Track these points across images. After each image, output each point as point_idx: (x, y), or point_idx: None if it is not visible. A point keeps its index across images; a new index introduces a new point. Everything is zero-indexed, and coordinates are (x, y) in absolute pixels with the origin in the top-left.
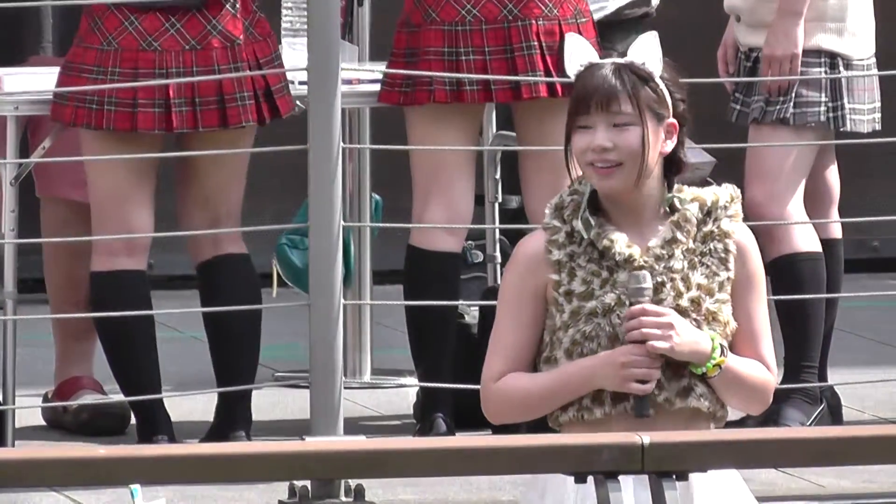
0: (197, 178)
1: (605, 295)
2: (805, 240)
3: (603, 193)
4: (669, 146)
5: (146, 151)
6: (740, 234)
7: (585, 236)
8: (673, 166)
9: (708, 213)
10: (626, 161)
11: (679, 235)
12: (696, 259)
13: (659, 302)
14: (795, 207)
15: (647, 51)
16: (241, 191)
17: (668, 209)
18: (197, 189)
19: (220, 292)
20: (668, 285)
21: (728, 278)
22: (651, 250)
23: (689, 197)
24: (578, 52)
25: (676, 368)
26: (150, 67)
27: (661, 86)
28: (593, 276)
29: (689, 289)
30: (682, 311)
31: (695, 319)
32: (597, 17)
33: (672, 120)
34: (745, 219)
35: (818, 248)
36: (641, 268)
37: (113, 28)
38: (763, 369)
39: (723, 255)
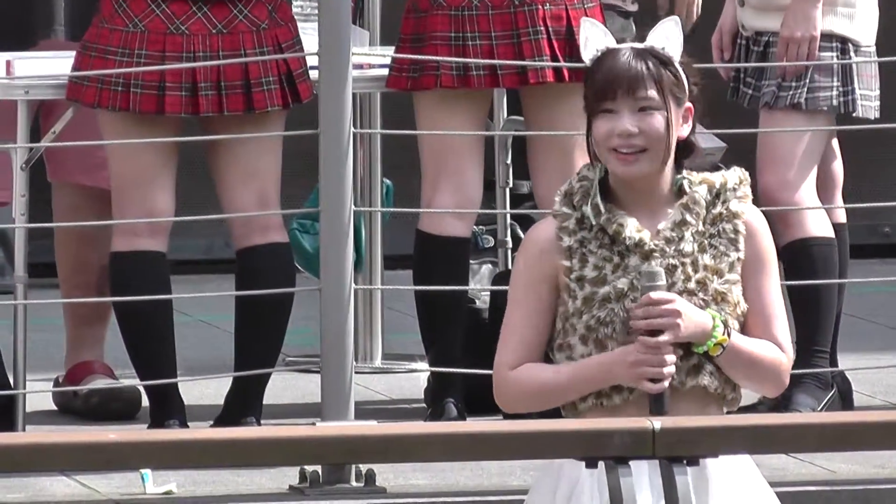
0: (234, 159)
1: (618, 280)
2: (818, 225)
3: (623, 179)
4: (686, 130)
5: (168, 134)
6: (750, 215)
7: (594, 222)
8: (685, 150)
9: (717, 195)
10: (650, 146)
11: (689, 218)
12: (705, 241)
13: (671, 286)
14: (808, 193)
15: (667, 35)
16: (278, 171)
17: (677, 192)
18: (237, 168)
19: (263, 279)
20: (679, 269)
21: (738, 259)
22: (661, 233)
23: (698, 179)
24: (595, 38)
25: (686, 347)
26: (178, 51)
27: (680, 70)
28: (605, 261)
29: (696, 271)
30: (690, 293)
31: (702, 300)
32: None
33: (689, 104)
34: (758, 204)
35: (831, 233)
36: (652, 251)
37: (140, 11)
38: (774, 349)
39: (732, 235)
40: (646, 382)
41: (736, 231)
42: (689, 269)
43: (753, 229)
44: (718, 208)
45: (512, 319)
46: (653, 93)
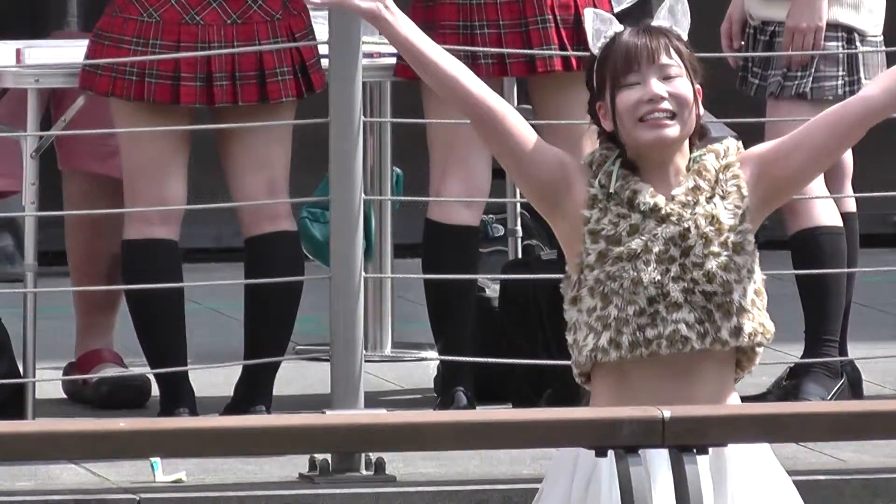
0: (244, 147)
1: (633, 241)
2: (826, 214)
3: (650, 148)
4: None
5: (180, 124)
6: (741, 157)
7: (611, 189)
8: (696, 133)
9: (726, 165)
10: (678, 111)
11: (701, 183)
12: (716, 201)
13: (688, 249)
14: (816, 182)
15: (675, 15)
16: (288, 160)
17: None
18: (247, 157)
19: (272, 267)
20: (694, 231)
21: (747, 207)
22: (676, 198)
23: (705, 150)
24: (602, 26)
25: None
26: (193, 41)
27: (687, 46)
28: (621, 218)
29: (712, 226)
30: (708, 253)
31: (727, 256)
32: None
33: (698, 86)
34: None
35: (839, 222)
36: (669, 215)
37: (155, 0)
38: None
39: (736, 187)
40: None
41: (738, 185)
42: (705, 227)
43: (744, 157)
44: (725, 174)
45: None
46: (674, 60)
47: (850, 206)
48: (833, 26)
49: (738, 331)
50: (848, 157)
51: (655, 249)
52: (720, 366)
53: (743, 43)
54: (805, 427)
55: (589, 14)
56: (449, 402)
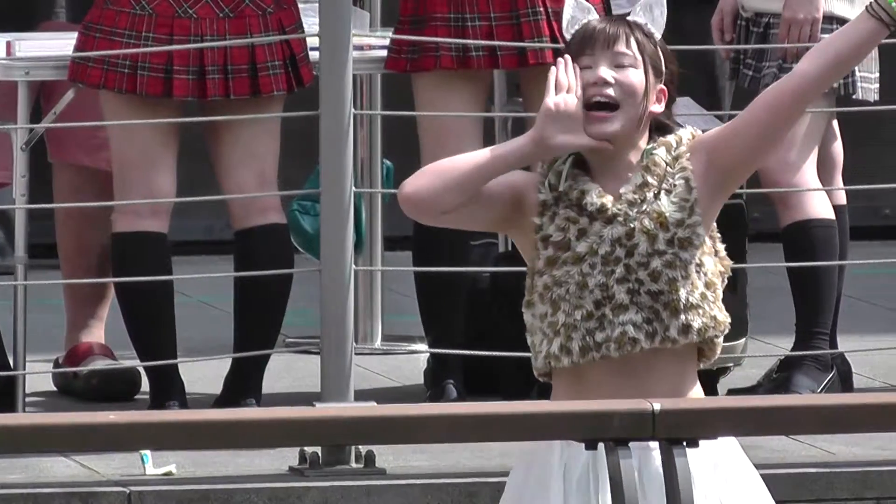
0: (234, 140)
1: (579, 244)
2: (818, 206)
3: (597, 141)
4: (658, 109)
5: (170, 116)
6: (691, 147)
7: (560, 187)
8: (658, 130)
9: (676, 157)
10: (623, 102)
11: (650, 179)
12: (663, 196)
13: (633, 248)
14: (809, 174)
15: (651, 11)
16: (276, 154)
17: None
18: (236, 150)
19: (261, 260)
20: (639, 230)
21: (695, 199)
22: (623, 196)
23: (658, 143)
24: (579, 14)
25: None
26: (186, 34)
27: (659, 47)
28: (569, 223)
29: (665, 229)
30: (659, 254)
31: (673, 254)
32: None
33: (662, 86)
34: (759, 186)
35: (831, 215)
36: (615, 216)
37: None
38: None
39: (684, 180)
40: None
41: (686, 177)
42: (650, 224)
43: (692, 148)
44: (674, 168)
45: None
46: (631, 50)
47: (841, 198)
48: (828, 18)
49: (686, 328)
50: (838, 150)
51: (601, 252)
52: (679, 360)
53: (734, 35)
54: (795, 420)
55: (569, 1)
56: (439, 394)
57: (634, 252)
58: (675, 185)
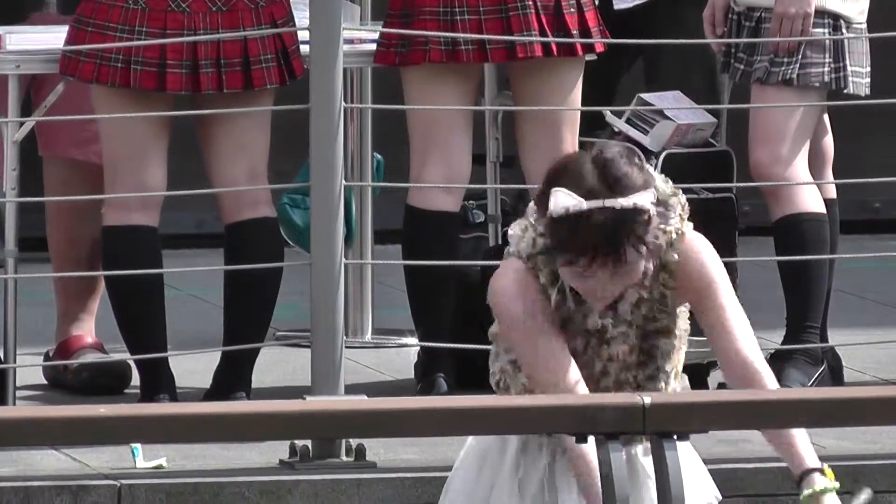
0: (225, 133)
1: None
2: (809, 200)
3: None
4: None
5: (161, 110)
6: (684, 245)
7: (562, 311)
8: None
9: (663, 282)
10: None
11: (643, 294)
12: (643, 300)
13: (612, 356)
14: (800, 168)
15: (643, 188)
16: (267, 147)
17: None
18: (227, 142)
19: (252, 254)
20: (629, 347)
21: (673, 291)
22: (620, 317)
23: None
24: (563, 200)
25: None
26: (179, 28)
27: (653, 211)
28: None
29: (634, 326)
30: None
31: (646, 352)
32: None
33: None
34: (751, 180)
35: (822, 209)
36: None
37: None
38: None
39: (666, 279)
40: None
41: (664, 293)
42: (628, 330)
43: (686, 257)
44: (655, 281)
45: (542, 361)
46: (634, 254)
47: (831, 192)
48: (820, 13)
49: (663, 388)
50: (829, 144)
51: (596, 368)
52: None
53: (726, 29)
54: (786, 414)
55: (554, 193)
56: (429, 388)
57: (623, 365)
58: (656, 296)
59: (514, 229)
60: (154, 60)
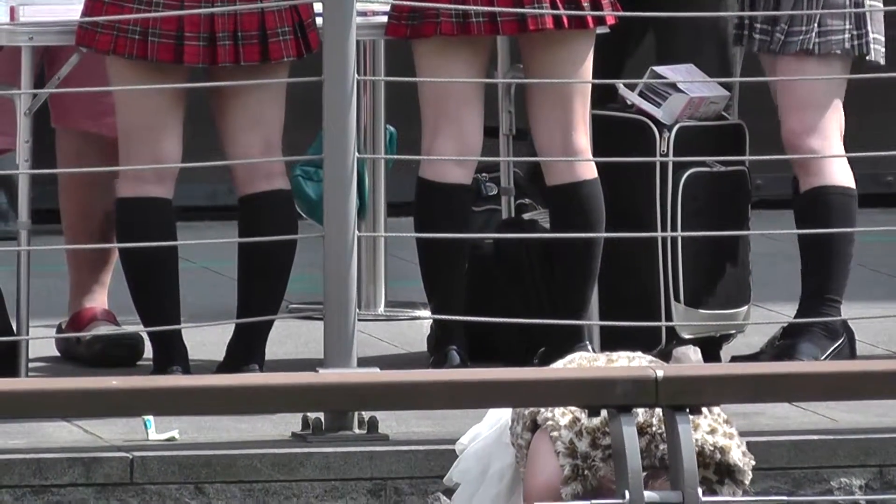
0: (241, 105)
1: None
2: (839, 173)
3: None
4: None
5: (177, 81)
6: None
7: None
8: None
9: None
10: None
11: None
12: None
13: None
14: (834, 140)
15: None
16: (282, 119)
17: None
18: (243, 114)
19: (266, 226)
20: None
21: None
22: None
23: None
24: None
25: None
26: (197, 0)
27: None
28: None
29: None
30: None
31: None
32: None
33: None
34: (763, 153)
35: (852, 183)
36: None
37: None
38: None
39: None
40: None
41: None
42: None
43: None
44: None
45: None
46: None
47: None
48: None
49: None
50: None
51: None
52: None
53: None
54: (797, 387)
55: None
56: (442, 360)
57: None
58: None
59: None
60: (172, 33)
